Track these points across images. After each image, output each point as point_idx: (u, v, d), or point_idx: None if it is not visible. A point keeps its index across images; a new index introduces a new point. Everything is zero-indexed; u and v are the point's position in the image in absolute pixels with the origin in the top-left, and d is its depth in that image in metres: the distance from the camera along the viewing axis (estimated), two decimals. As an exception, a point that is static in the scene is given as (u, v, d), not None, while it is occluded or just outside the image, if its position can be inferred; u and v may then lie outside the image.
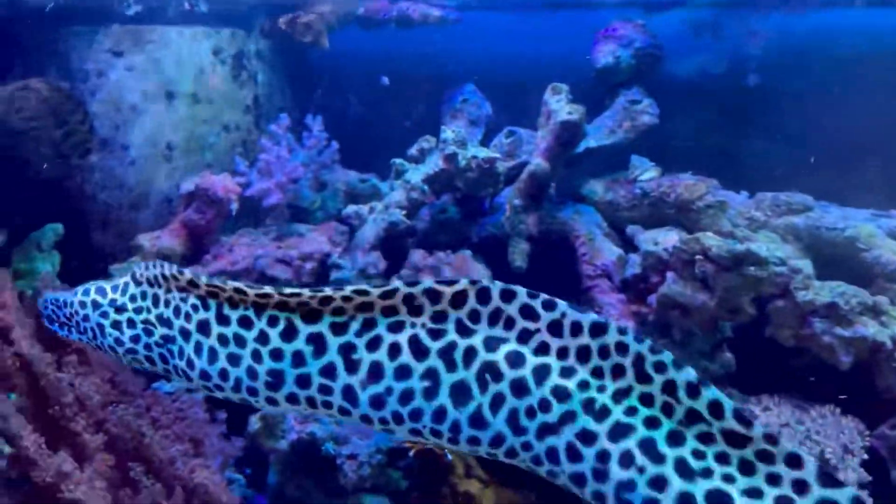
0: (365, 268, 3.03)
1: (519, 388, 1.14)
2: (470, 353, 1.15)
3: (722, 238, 2.75)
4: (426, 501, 2.76)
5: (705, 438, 1.14)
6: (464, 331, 1.16)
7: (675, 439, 1.14)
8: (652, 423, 1.15)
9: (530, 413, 1.14)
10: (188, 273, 1.49)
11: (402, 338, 1.18)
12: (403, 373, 1.17)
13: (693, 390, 1.14)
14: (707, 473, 1.11)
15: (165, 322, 1.50)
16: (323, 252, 3.35)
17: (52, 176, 3.07)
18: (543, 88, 3.40)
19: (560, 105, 3.12)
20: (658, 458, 1.13)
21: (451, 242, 3.37)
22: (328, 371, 1.26)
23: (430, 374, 1.16)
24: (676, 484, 1.11)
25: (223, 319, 1.41)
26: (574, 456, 1.14)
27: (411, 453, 2.64)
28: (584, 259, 3.17)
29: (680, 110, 3.53)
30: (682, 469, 1.12)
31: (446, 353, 1.16)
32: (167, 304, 1.51)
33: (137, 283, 1.57)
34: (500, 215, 3.39)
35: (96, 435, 2.30)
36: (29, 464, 2.17)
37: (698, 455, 1.13)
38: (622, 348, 1.16)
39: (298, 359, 1.29)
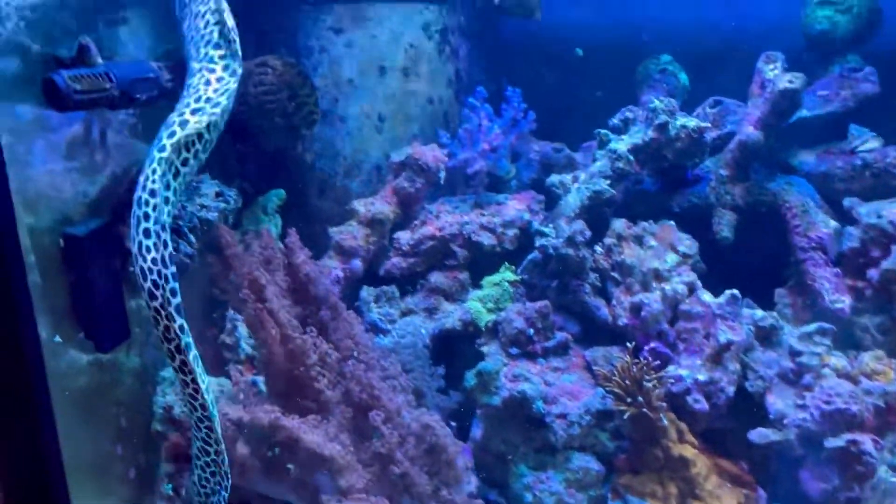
0: (573, 235, 3.10)
1: None
2: None
3: (961, 210, 2.61)
4: (635, 462, 2.82)
5: None
6: None
7: None
8: None
9: None
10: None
11: None
12: None
13: None
14: None
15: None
16: (523, 220, 3.46)
17: (281, 146, 3.33)
18: (740, 58, 3.32)
19: (776, 73, 3.04)
20: None
21: (649, 213, 3.38)
22: None
23: None
24: None
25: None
26: None
27: (625, 416, 2.69)
28: (797, 231, 3.09)
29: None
30: None
31: None
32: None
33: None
34: (703, 186, 3.36)
35: (335, 390, 2.50)
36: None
37: None
38: None
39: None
